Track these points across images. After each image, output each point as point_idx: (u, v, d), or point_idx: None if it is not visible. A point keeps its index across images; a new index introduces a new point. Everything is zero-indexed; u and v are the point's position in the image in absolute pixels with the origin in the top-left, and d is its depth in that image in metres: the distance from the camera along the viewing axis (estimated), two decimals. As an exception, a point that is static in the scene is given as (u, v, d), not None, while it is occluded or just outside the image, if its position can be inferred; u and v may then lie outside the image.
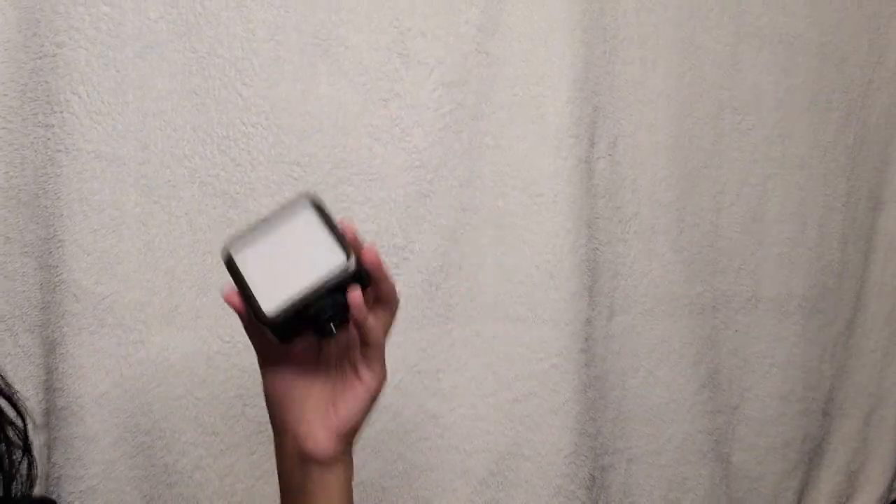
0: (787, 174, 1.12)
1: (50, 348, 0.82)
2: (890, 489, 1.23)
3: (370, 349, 0.58)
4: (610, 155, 1.00)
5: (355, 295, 0.55)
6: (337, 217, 0.58)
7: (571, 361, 0.94)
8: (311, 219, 0.58)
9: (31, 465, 0.70)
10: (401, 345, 0.91)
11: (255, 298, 0.55)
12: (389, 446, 0.90)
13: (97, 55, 0.81)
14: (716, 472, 1.08)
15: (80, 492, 0.81)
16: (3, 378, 0.68)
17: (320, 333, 0.57)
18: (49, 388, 0.82)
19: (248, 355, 0.86)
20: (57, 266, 0.81)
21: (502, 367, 0.93)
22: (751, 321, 1.11)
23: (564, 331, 0.94)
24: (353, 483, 0.89)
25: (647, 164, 1.02)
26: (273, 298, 0.55)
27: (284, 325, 0.56)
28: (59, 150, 0.80)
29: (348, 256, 0.55)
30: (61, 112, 0.80)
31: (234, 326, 0.85)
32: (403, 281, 0.91)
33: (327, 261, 0.55)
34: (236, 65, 0.85)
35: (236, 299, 0.57)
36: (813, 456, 1.18)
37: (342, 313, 0.56)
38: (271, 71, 0.86)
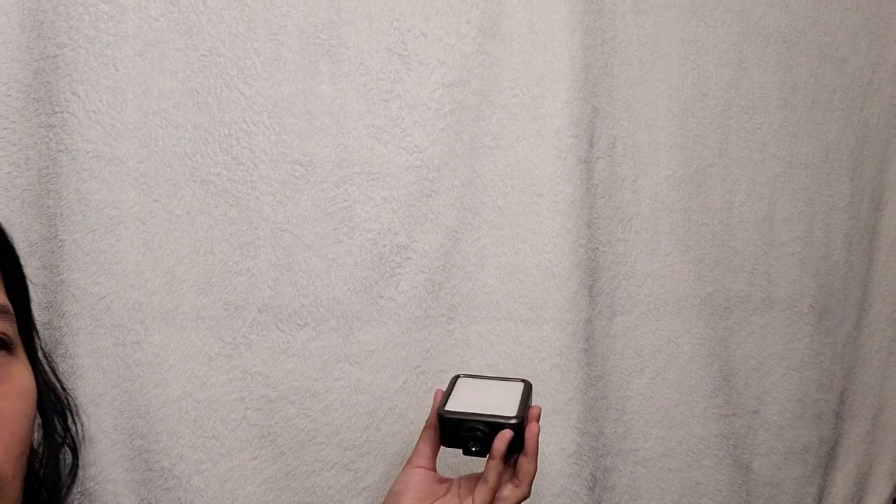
0: (793, 173, 1.11)
1: (51, 349, 0.80)
2: (896, 490, 1.20)
3: (482, 496, 0.72)
4: (609, 155, 0.99)
5: (502, 433, 0.72)
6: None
7: (573, 361, 0.93)
8: (517, 388, 0.79)
9: (75, 459, 0.72)
10: (405, 346, 0.89)
11: (445, 400, 0.77)
12: (394, 448, 0.89)
13: (96, 54, 0.81)
14: (734, 477, 1.06)
15: (78, 493, 0.80)
16: (54, 373, 0.70)
17: (463, 448, 0.74)
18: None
19: (250, 357, 0.85)
20: (57, 266, 0.80)
21: (504, 367, 0.91)
22: (766, 322, 1.09)
23: (566, 330, 0.93)
24: (360, 488, 0.87)
25: (647, 164, 1.01)
26: (454, 407, 0.76)
27: (446, 426, 0.75)
28: (59, 151, 0.80)
29: (517, 415, 0.74)
30: (62, 112, 0.80)
31: (236, 327, 0.85)
32: (407, 281, 0.90)
33: (502, 409, 0.75)
34: (238, 63, 0.85)
35: (439, 396, 0.78)
36: (829, 460, 1.15)
37: (485, 446, 0.73)
38: (273, 70, 0.86)
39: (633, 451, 1.00)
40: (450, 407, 0.76)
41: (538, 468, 0.90)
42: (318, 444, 0.87)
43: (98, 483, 0.80)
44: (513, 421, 0.73)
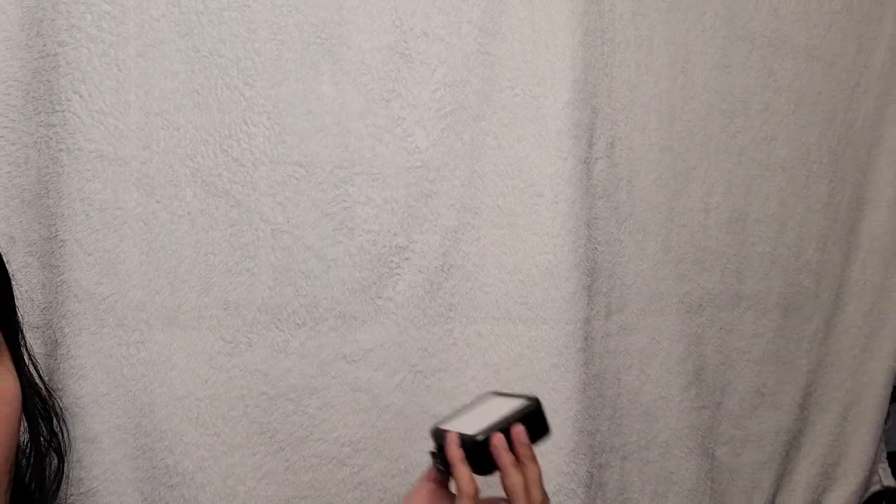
0: (769, 175, 1.15)
1: (51, 348, 0.81)
2: (866, 482, 1.25)
3: None
4: (608, 156, 1.01)
5: (450, 440, 0.70)
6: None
7: (571, 360, 0.95)
8: (512, 406, 0.74)
9: (60, 463, 0.72)
10: (402, 344, 0.91)
11: (450, 416, 0.77)
12: (391, 445, 0.91)
13: (99, 54, 0.80)
14: (701, 466, 1.10)
15: (81, 494, 0.81)
16: (41, 378, 0.70)
17: (436, 466, 0.74)
18: (50, 389, 0.81)
19: (250, 355, 0.87)
20: (58, 266, 0.80)
21: (503, 366, 0.94)
22: (733, 318, 1.13)
23: (564, 330, 0.95)
24: (356, 482, 0.90)
25: (640, 166, 1.04)
26: (445, 424, 0.74)
27: (434, 442, 0.74)
28: (61, 150, 0.80)
29: (480, 434, 0.70)
30: (63, 111, 0.80)
31: (237, 327, 0.86)
32: (405, 281, 0.91)
33: (467, 428, 0.71)
34: (238, 64, 0.85)
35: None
36: (789, 448, 1.20)
37: (447, 464, 0.70)
38: (274, 70, 0.86)
39: (622, 447, 1.04)
40: (443, 425, 0.75)
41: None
42: (315, 440, 0.89)
43: (102, 482, 0.81)
44: (474, 440, 0.70)
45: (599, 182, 1.00)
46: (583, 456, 0.96)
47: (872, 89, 1.20)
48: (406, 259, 0.91)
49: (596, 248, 1.00)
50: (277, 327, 0.87)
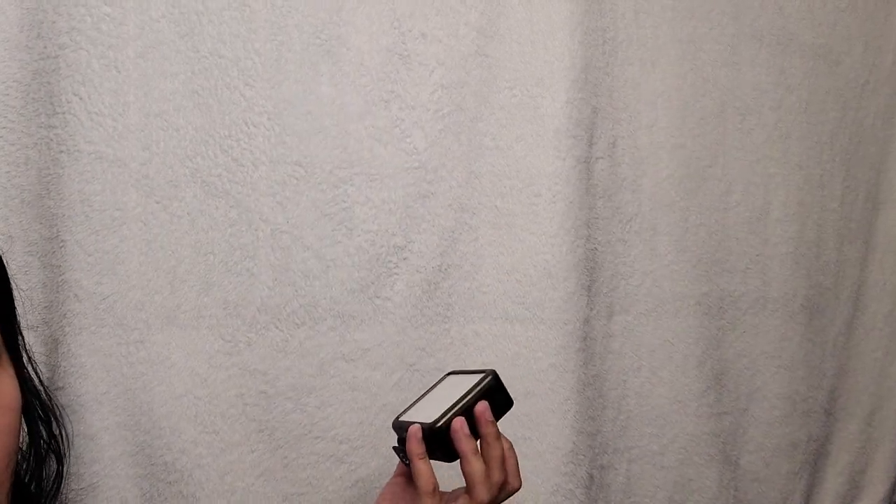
0: (787, 174, 1.13)
1: (51, 347, 0.82)
2: (893, 490, 1.23)
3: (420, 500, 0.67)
4: (610, 156, 1.00)
5: (411, 434, 0.68)
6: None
7: (570, 360, 0.94)
8: (467, 384, 0.70)
9: (59, 466, 0.73)
10: (400, 344, 0.91)
11: (409, 406, 0.77)
12: (388, 443, 0.91)
13: (98, 56, 0.82)
14: (724, 474, 1.08)
15: (81, 489, 0.82)
16: (40, 380, 0.71)
17: (402, 460, 0.73)
18: (50, 387, 0.82)
19: (248, 354, 0.87)
20: (59, 266, 0.81)
21: (501, 366, 0.93)
22: (758, 322, 1.11)
23: (563, 330, 0.95)
24: (353, 480, 0.90)
25: (647, 165, 1.03)
26: (406, 415, 0.74)
27: (398, 436, 0.73)
28: (61, 151, 0.81)
29: (437, 420, 0.68)
30: (63, 113, 0.81)
31: (236, 326, 0.87)
32: (403, 281, 0.92)
33: (427, 416, 0.69)
34: (238, 65, 0.86)
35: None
36: (818, 457, 1.18)
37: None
38: (273, 71, 0.87)
39: (629, 450, 1.02)
40: (404, 416, 0.73)
41: (535, 466, 0.93)
42: (313, 438, 0.90)
43: (101, 479, 0.82)
44: (431, 427, 0.67)
45: (601, 182, 1.00)
46: (582, 457, 0.95)
47: (882, 88, 1.18)
48: (404, 259, 0.92)
49: (596, 249, 0.99)
50: (277, 327, 0.88)
